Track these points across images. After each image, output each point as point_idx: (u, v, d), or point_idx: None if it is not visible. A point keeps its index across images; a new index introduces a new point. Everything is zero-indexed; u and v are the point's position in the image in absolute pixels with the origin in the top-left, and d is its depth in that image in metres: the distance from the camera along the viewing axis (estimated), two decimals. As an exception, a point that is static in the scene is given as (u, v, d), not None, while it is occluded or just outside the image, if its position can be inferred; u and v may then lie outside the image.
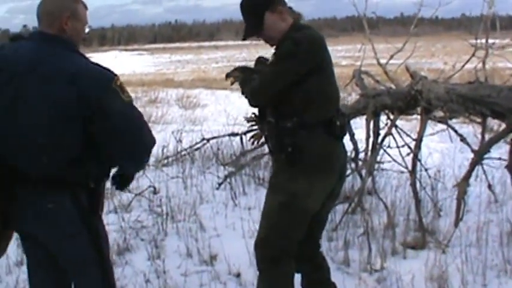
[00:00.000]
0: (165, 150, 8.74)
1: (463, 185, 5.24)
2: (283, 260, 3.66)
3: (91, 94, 2.81)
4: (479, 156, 5.32)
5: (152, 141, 3.07)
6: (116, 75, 2.92)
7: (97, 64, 2.96)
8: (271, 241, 3.64)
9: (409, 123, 9.37)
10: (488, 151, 5.31)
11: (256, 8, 3.57)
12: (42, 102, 2.81)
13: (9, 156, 2.89)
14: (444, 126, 6.34)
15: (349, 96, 14.51)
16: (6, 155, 2.89)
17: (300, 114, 3.47)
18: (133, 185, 6.95)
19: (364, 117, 6.45)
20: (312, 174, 3.53)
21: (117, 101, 2.88)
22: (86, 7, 3.12)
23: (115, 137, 2.92)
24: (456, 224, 5.28)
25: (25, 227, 3.01)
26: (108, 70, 2.94)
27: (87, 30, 3.13)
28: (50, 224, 2.94)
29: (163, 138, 9.62)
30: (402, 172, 6.70)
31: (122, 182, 3.38)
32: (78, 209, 2.97)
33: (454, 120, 6.16)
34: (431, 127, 6.73)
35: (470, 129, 8.51)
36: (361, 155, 6.70)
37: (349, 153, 6.83)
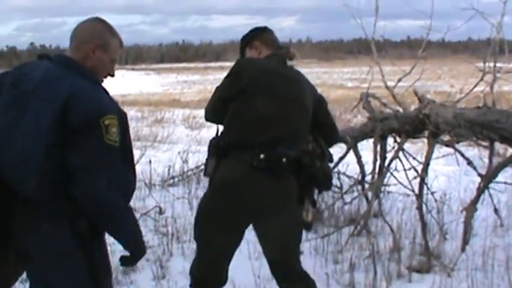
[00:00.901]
0: (171, 171, 8.76)
1: (470, 209, 5.24)
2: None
3: (75, 121, 2.72)
4: (487, 181, 5.31)
5: (113, 197, 2.85)
6: (111, 112, 2.80)
7: (108, 97, 2.90)
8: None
9: (414, 146, 9.36)
10: (496, 176, 5.31)
11: (240, 47, 3.98)
12: (36, 123, 2.77)
13: (6, 176, 2.85)
14: (450, 150, 6.35)
15: (354, 118, 14.53)
16: (4, 175, 2.85)
17: (226, 134, 3.63)
18: (139, 204, 6.97)
19: (370, 140, 6.46)
20: (214, 197, 3.64)
21: (94, 139, 2.75)
22: (121, 44, 3.12)
23: (75, 175, 2.77)
24: (463, 248, 5.27)
25: (23, 247, 2.96)
26: (108, 105, 2.85)
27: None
28: (45, 246, 2.89)
29: (169, 158, 9.65)
30: (408, 195, 6.70)
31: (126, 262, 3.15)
32: (75, 233, 2.89)
33: (459, 144, 6.16)
34: (437, 150, 6.73)
35: (476, 152, 8.51)
36: (368, 178, 6.71)
37: (355, 176, 6.88)
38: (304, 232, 3.86)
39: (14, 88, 2.88)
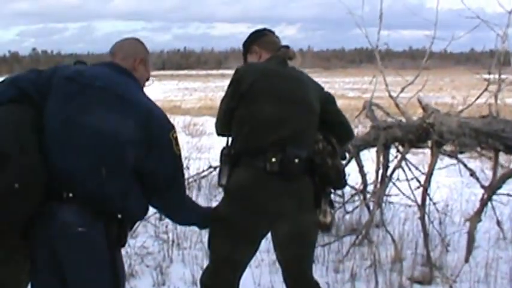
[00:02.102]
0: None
1: (474, 220, 5.21)
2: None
3: (154, 136, 2.96)
4: (491, 192, 5.28)
5: (181, 198, 3.26)
6: (173, 126, 3.10)
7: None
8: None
9: (416, 157, 9.34)
10: (500, 187, 5.28)
11: (243, 53, 3.96)
12: (108, 122, 2.88)
13: (59, 170, 2.85)
14: (453, 161, 6.32)
15: (356, 128, 14.50)
16: (57, 169, 2.85)
17: (235, 142, 3.60)
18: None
19: (373, 149, 6.44)
20: (229, 205, 3.56)
21: (171, 151, 3.04)
22: (151, 63, 3.37)
23: (159, 183, 3.07)
24: (467, 259, 5.25)
25: (48, 245, 2.91)
26: (169, 119, 3.12)
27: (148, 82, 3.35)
28: (76, 248, 2.89)
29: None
30: (410, 206, 6.67)
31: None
32: (108, 238, 2.95)
33: (462, 155, 6.13)
34: (440, 161, 6.71)
35: (478, 164, 8.49)
36: (370, 187, 6.68)
37: (357, 185, 6.85)
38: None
39: (72, 81, 2.96)
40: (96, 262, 2.93)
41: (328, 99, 3.77)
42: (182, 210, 3.31)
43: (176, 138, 3.07)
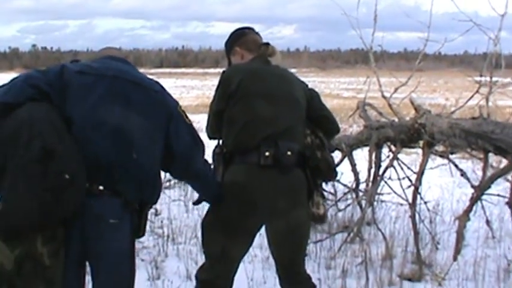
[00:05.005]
0: (167, 173, 8.76)
1: (463, 218, 5.26)
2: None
3: (171, 113, 3.13)
4: (481, 191, 5.35)
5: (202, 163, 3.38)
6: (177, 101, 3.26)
7: None
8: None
9: (408, 157, 9.41)
10: (489, 187, 5.34)
11: (226, 55, 4.03)
12: (131, 110, 2.99)
13: (88, 163, 2.86)
14: (444, 161, 6.39)
15: (350, 128, 14.57)
16: (87, 162, 2.86)
17: (227, 141, 3.64)
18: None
19: (366, 148, 6.51)
20: (224, 201, 3.57)
21: (184, 123, 3.23)
22: None
23: (181, 156, 3.22)
24: (455, 257, 5.30)
25: (80, 238, 2.94)
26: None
27: None
28: (107, 239, 2.95)
29: (166, 161, 9.66)
30: (401, 204, 6.75)
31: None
32: (132, 229, 3.06)
33: (453, 156, 6.21)
34: (431, 161, 6.78)
35: (469, 165, 8.56)
36: (362, 186, 6.76)
37: (349, 184, 6.93)
38: None
39: (85, 75, 3.00)
40: (123, 253, 3.04)
41: (313, 96, 3.84)
42: (207, 175, 3.45)
43: (184, 111, 3.24)
